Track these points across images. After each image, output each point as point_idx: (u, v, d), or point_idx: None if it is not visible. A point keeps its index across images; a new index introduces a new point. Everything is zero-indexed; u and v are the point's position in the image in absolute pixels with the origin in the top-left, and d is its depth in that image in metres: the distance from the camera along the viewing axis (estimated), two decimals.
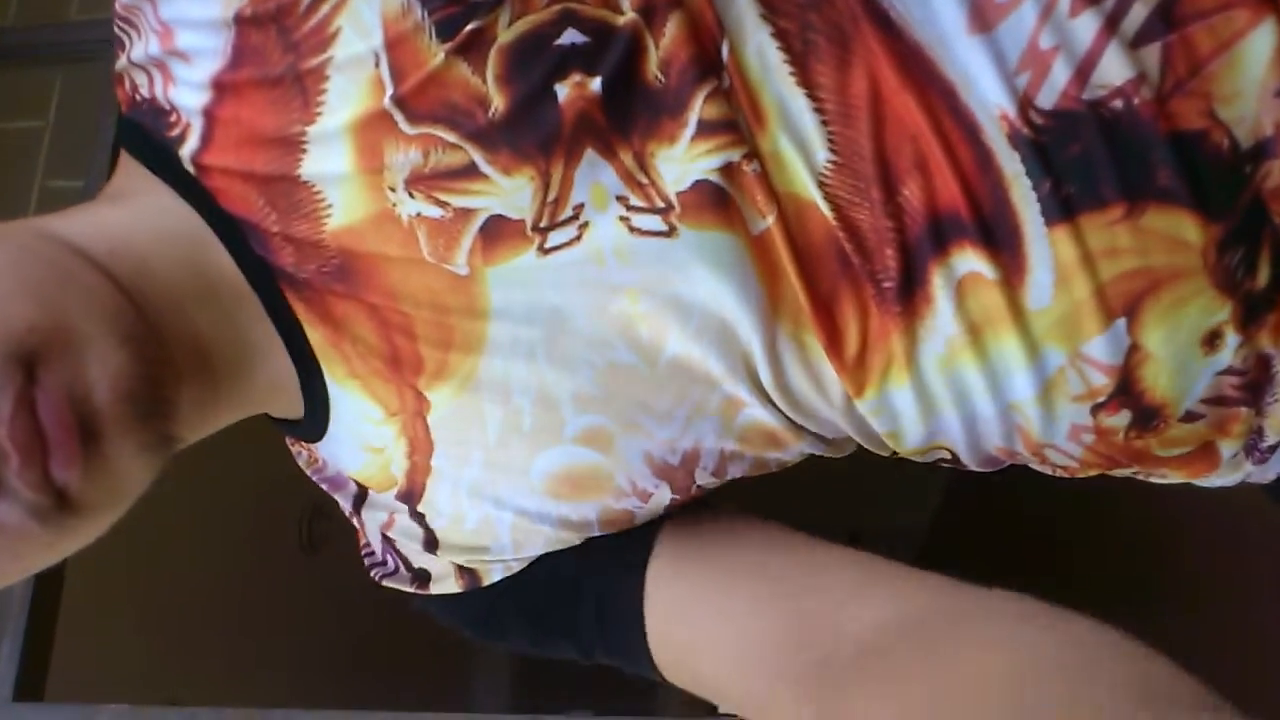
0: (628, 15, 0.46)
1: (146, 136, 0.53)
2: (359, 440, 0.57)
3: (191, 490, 3.74)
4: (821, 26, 0.46)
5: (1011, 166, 0.46)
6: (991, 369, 0.49)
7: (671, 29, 0.46)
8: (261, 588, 4.16)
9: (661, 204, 0.47)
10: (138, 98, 0.54)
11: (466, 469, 0.54)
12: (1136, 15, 0.45)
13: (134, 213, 0.52)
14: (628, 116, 0.47)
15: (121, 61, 0.54)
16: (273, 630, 4.19)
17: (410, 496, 0.57)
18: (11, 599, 1.74)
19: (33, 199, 1.93)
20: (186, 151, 0.51)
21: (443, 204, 0.48)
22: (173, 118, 0.52)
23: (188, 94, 0.50)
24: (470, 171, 0.47)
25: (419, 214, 0.48)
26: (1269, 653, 2.47)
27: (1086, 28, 0.45)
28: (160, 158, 0.53)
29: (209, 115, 0.50)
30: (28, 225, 0.54)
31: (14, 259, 0.48)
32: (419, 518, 0.58)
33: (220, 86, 0.49)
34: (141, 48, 0.52)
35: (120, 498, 0.51)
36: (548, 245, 0.48)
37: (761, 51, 0.47)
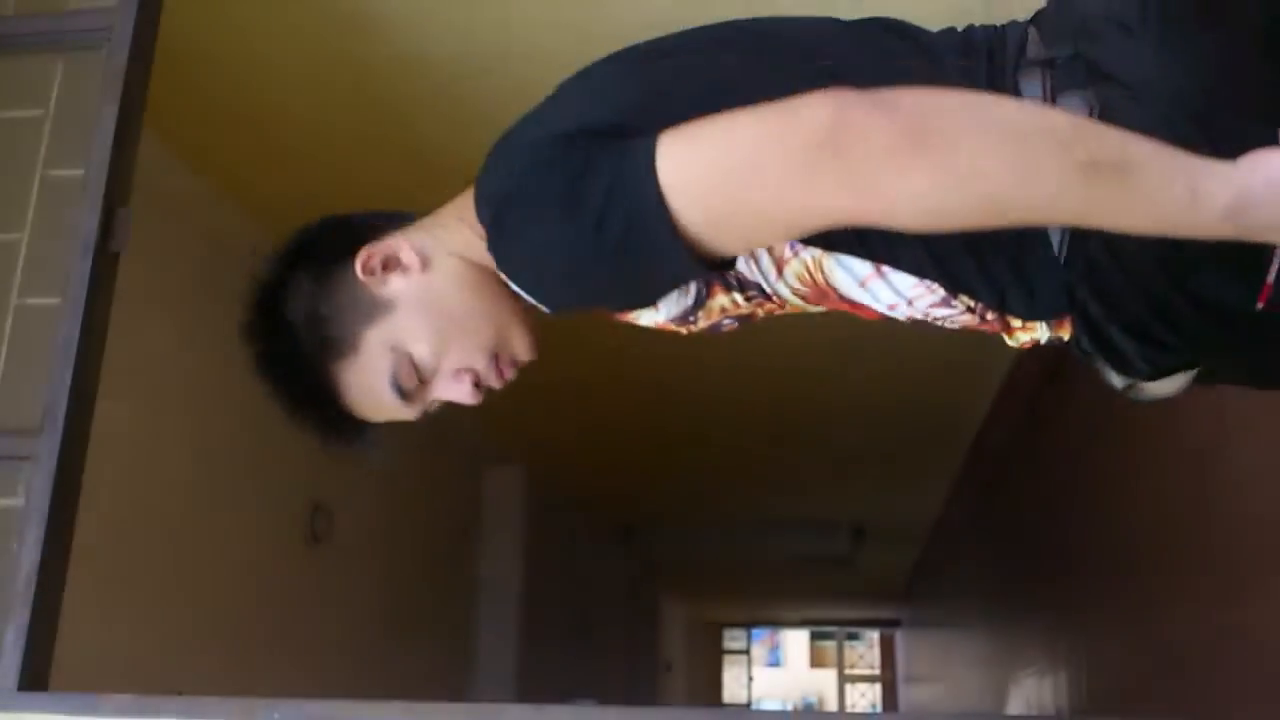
0: (757, 311, 0.97)
1: None
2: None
3: (196, 485, 3.74)
4: (815, 299, 0.94)
5: None
6: None
7: (768, 306, 0.97)
8: (266, 580, 4.17)
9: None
10: None
11: None
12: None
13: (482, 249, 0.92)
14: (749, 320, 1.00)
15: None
16: (277, 621, 4.21)
17: None
18: (16, 590, 1.74)
19: (34, 187, 1.93)
20: None
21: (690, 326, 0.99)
22: None
23: None
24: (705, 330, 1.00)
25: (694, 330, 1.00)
26: (1269, 645, 2.46)
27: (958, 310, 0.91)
28: None
29: None
30: (458, 253, 0.94)
31: (478, 291, 0.94)
32: None
33: None
34: None
35: None
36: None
37: (791, 300, 0.95)
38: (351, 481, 4.80)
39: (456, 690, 6.08)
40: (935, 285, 0.86)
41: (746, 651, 18.51)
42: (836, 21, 0.92)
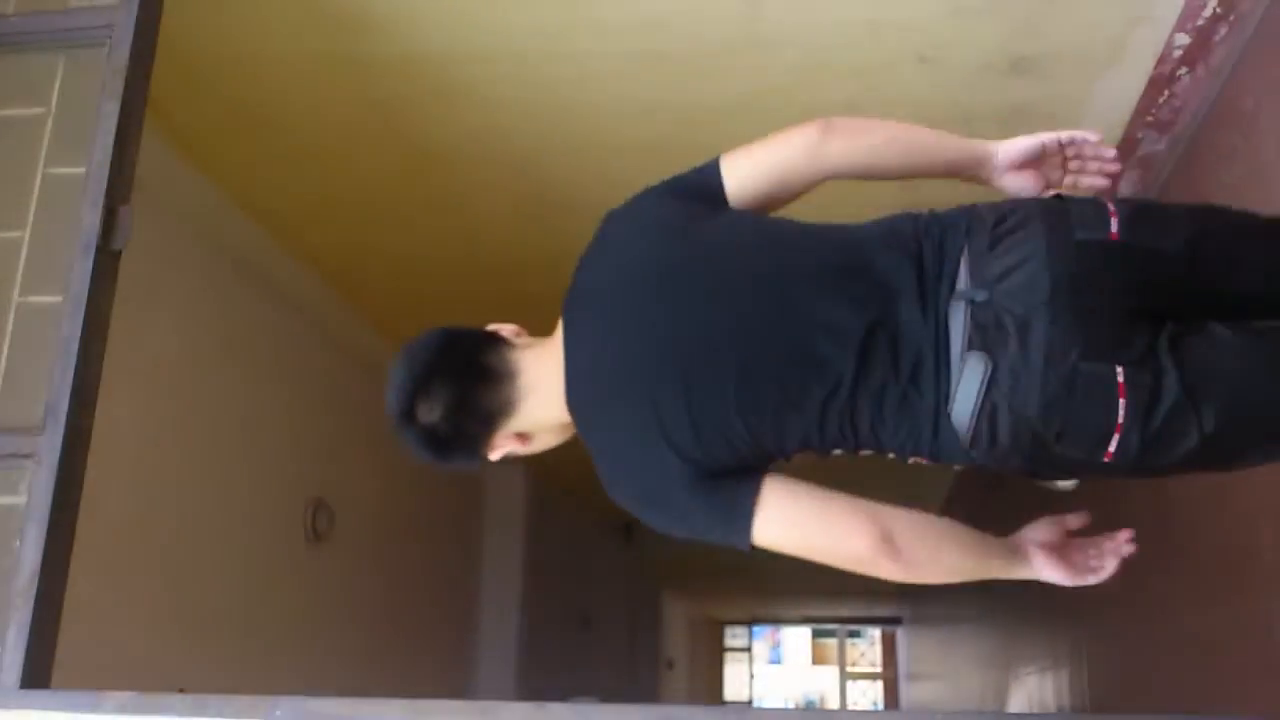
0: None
1: None
2: None
3: (197, 482, 3.73)
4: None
5: None
6: None
7: None
8: (267, 577, 4.17)
9: None
10: None
11: None
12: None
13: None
14: None
15: None
16: (279, 619, 4.21)
17: None
18: (18, 587, 1.74)
19: (35, 185, 1.93)
20: None
21: None
22: None
23: None
24: None
25: None
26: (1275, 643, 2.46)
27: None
28: None
29: None
30: (549, 428, 1.37)
31: (555, 437, 1.40)
32: None
33: None
34: None
35: None
36: None
37: None
38: (353, 480, 4.80)
39: (458, 688, 6.09)
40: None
41: (748, 649, 18.51)
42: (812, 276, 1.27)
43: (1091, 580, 1.32)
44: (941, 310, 1.21)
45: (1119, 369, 1.16)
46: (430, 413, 1.30)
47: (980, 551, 1.29)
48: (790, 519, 1.27)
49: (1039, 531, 1.33)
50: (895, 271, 1.23)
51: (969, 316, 1.20)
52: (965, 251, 1.23)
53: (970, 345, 1.19)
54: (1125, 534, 1.34)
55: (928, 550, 1.25)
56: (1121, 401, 1.16)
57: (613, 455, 1.30)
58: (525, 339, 1.39)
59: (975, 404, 1.19)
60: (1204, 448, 1.17)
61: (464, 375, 1.32)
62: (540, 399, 1.33)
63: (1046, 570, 1.30)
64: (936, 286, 1.22)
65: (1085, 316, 1.18)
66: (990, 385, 1.18)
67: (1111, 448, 1.18)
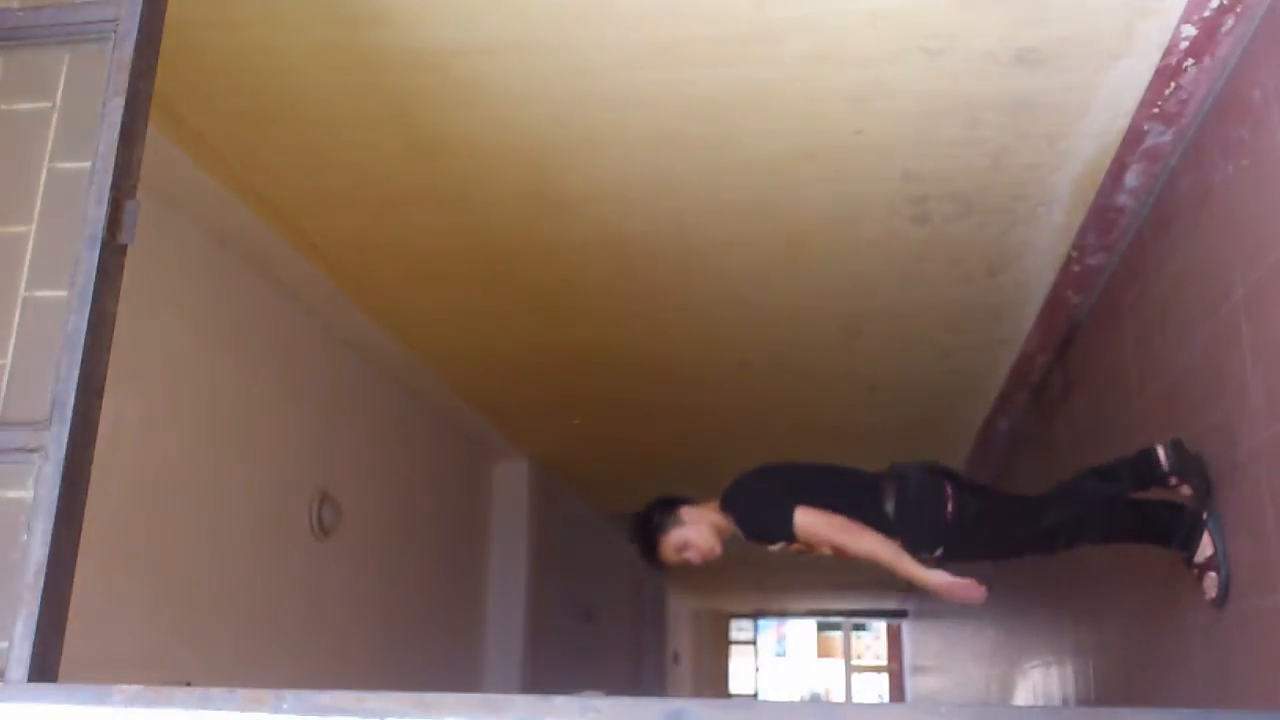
0: None
1: None
2: None
3: (203, 477, 3.73)
4: None
5: None
6: None
7: None
8: (274, 572, 4.19)
9: None
10: None
11: None
12: None
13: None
14: None
15: None
16: (285, 613, 4.22)
17: None
18: (25, 582, 1.74)
19: (41, 180, 1.93)
20: None
21: None
22: None
23: None
24: None
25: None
26: None
27: None
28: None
29: None
30: (707, 525, 3.04)
31: (712, 541, 3.06)
32: None
33: None
34: None
35: None
36: None
37: None
38: (358, 474, 4.81)
39: (464, 682, 6.10)
40: None
41: (753, 642, 18.53)
42: (838, 470, 3.02)
43: (949, 589, 2.78)
44: (885, 504, 2.84)
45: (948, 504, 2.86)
46: (652, 515, 3.00)
47: (893, 550, 2.77)
48: (807, 518, 2.81)
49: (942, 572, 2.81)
50: (871, 488, 2.90)
51: (895, 501, 2.84)
52: (889, 482, 2.88)
53: (896, 515, 2.82)
54: (982, 591, 2.75)
55: (860, 538, 2.78)
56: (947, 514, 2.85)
57: (748, 512, 2.95)
58: (703, 503, 2.99)
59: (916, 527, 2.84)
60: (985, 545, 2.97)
61: (668, 510, 3.00)
62: (700, 515, 3.00)
63: (939, 580, 2.76)
64: (882, 497, 2.86)
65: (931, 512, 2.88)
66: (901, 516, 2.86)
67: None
